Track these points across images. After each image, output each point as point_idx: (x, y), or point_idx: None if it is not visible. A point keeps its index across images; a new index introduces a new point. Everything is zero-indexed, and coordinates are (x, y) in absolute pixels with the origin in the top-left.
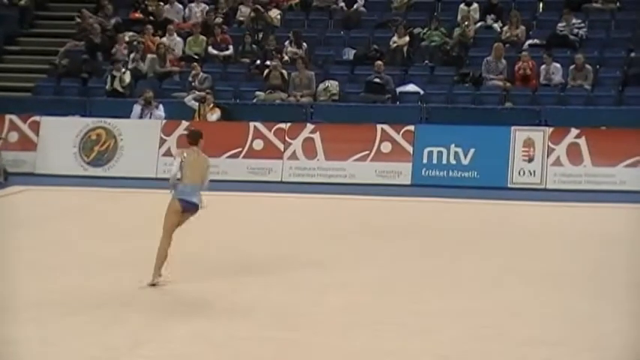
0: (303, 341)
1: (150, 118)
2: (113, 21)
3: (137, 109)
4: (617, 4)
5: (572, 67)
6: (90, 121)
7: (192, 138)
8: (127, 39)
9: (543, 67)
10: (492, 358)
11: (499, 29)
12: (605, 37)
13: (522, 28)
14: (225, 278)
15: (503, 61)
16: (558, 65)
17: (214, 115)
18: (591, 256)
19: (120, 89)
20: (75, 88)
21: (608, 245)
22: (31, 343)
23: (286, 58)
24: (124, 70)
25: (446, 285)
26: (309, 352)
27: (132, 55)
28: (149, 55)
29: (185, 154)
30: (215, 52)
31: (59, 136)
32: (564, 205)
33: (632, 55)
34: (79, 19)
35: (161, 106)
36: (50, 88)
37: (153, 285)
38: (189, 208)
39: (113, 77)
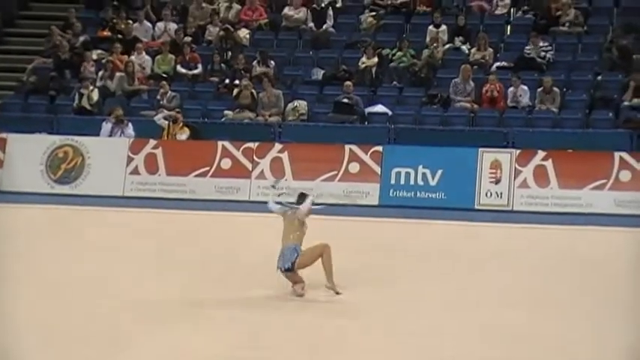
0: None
1: (120, 136)
2: (82, 39)
3: (107, 127)
4: (584, 27)
5: (539, 89)
6: (57, 139)
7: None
8: (95, 57)
9: (511, 89)
10: None
11: (467, 51)
12: (572, 60)
13: (490, 50)
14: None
15: (471, 82)
16: (526, 87)
17: (184, 135)
18: (558, 278)
19: (88, 107)
20: (42, 105)
21: (575, 267)
22: None
23: (254, 76)
24: (92, 87)
25: (410, 306)
26: None
27: (100, 73)
28: (117, 74)
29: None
30: (184, 70)
31: (26, 154)
32: (531, 227)
33: (599, 78)
34: (48, 36)
35: (130, 125)
36: (17, 105)
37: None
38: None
39: (81, 95)
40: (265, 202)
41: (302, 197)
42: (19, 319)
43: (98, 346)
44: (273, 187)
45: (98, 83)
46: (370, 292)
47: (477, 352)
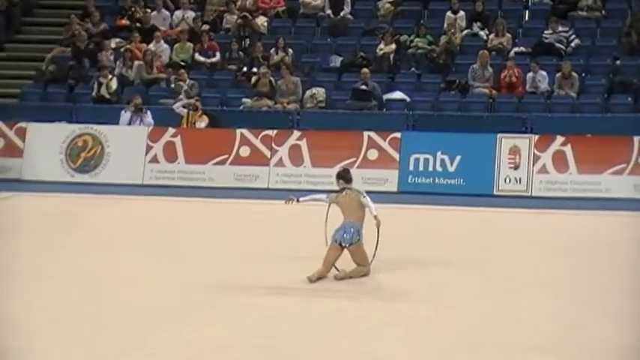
0: (290, 346)
1: (139, 124)
2: (100, 27)
3: (126, 115)
4: (603, 12)
5: (558, 74)
6: (76, 128)
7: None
8: (113, 45)
9: (530, 74)
10: None
11: (485, 37)
12: (590, 45)
13: (508, 35)
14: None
15: (489, 68)
16: (544, 73)
17: (202, 123)
18: (578, 263)
19: (106, 96)
20: (61, 94)
21: (595, 252)
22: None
23: (272, 64)
24: (110, 76)
25: (433, 292)
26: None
27: (118, 62)
28: (136, 62)
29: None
30: (202, 59)
31: (45, 143)
32: (550, 213)
33: (618, 62)
34: (67, 25)
35: (149, 113)
36: (36, 94)
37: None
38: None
39: (100, 84)
40: (285, 190)
41: (346, 173)
42: (39, 309)
43: (118, 336)
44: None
45: (116, 72)
46: (393, 279)
47: (507, 337)
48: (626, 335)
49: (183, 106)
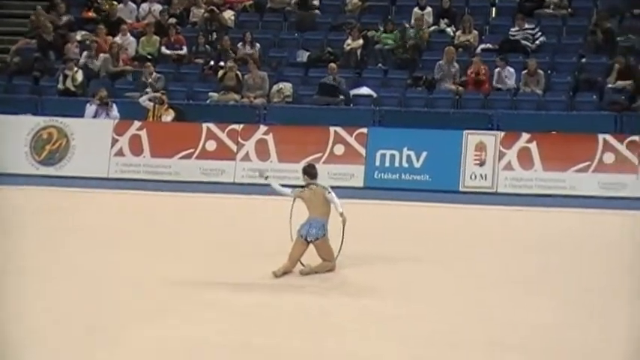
0: (255, 341)
1: (105, 118)
2: (66, 19)
3: (91, 108)
4: (569, 10)
5: (524, 72)
6: (41, 120)
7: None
8: (79, 38)
9: (497, 70)
10: None
11: (452, 33)
12: (556, 43)
13: (475, 32)
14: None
15: (456, 64)
16: (512, 69)
17: (169, 117)
18: (545, 260)
19: (72, 88)
20: (26, 86)
21: (559, 249)
22: None
23: (239, 58)
24: (75, 69)
25: (399, 288)
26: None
27: (84, 54)
28: (102, 55)
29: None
30: (169, 52)
31: (10, 135)
32: (515, 209)
33: (583, 60)
34: (32, 17)
35: (115, 106)
36: (1, 86)
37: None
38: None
39: (65, 76)
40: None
41: (311, 169)
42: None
43: (82, 334)
44: (265, 177)
45: (82, 64)
46: (359, 274)
47: (478, 335)
48: (598, 332)
49: (150, 100)
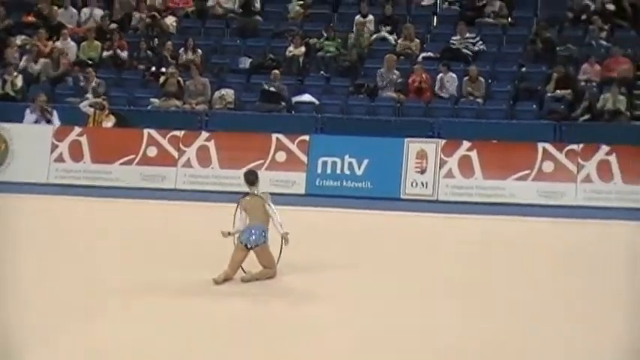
0: (194, 349)
1: (47, 124)
2: (5, 23)
3: (31, 116)
4: (509, 19)
5: (465, 78)
6: None
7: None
8: (19, 42)
9: (440, 76)
10: None
11: (394, 41)
12: (497, 52)
13: (417, 40)
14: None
15: (396, 72)
16: (454, 75)
17: (109, 122)
18: (481, 267)
19: (11, 93)
20: None
21: (496, 256)
22: None
23: (181, 64)
24: (15, 74)
25: (340, 295)
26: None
27: (24, 58)
28: (42, 59)
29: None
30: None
31: None
32: (456, 217)
33: (523, 69)
34: None
35: (55, 113)
36: None
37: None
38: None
39: (4, 81)
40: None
41: (252, 175)
42: None
43: (21, 339)
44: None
45: (21, 68)
46: (300, 281)
47: (418, 342)
48: (529, 336)
49: (90, 105)
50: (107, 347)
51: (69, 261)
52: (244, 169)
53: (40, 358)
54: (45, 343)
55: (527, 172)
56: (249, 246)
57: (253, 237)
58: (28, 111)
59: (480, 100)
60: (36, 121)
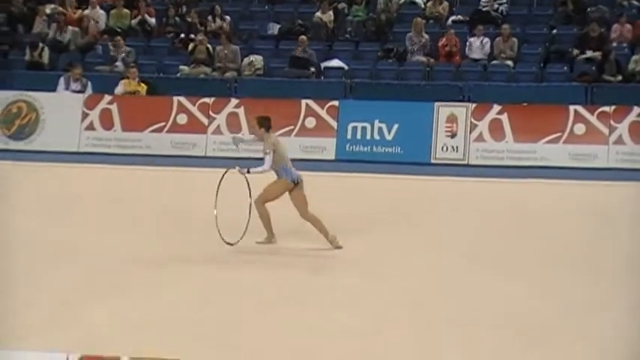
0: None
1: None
2: None
3: (71, 84)
4: None
5: (497, 38)
6: (11, 94)
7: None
8: (48, 11)
9: (474, 39)
10: (400, 337)
11: (422, 5)
12: (527, 14)
13: (446, 3)
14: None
15: (425, 35)
16: (487, 38)
17: (141, 91)
18: (511, 232)
19: (41, 62)
20: None
21: (528, 220)
22: None
23: (210, 31)
24: (41, 46)
25: (368, 260)
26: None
27: (53, 27)
28: (71, 28)
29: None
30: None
31: None
32: (486, 181)
33: (554, 32)
34: None
35: (89, 83)
36: None
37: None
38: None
39: (33, 50)
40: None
41: (268, 121)
42: None
43: (46, 310)
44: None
45: (50, 37)
46: (331, 248)
47: (444, 309)
48: (557, 304)
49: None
50: (139, 316)
51: (99, 230)
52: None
53: (64, 331)
54: (71, 317)
55: (558, 135)
56: (297, 181)
57: (297, 173)
58: (62, 80)
59: (510, 63)
60: (77, 91)
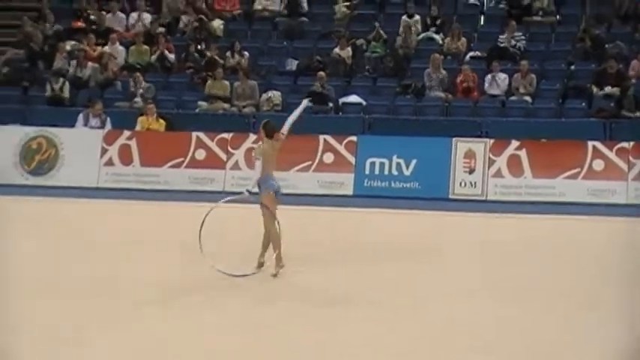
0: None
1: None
2: (55, 29)
3: (89, 120)
4: (557, 17)
5: (516, 74)
6: (31, 130)
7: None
8: (68, 48)
9: (488, 77)
10: None
11: (441, 41)
12: (545, 50)
13: (463, 39)
14: None
15: (443, 71)
16: (504, 75)
17: (160, 127)
18: (530, 267)
19: (62, 96)
20: (15, 96)
21: (547, 256)
22: None
23: (228, 67)
24: (62, 81)
25: (383, 295)
26: None
27: (73, 63)
28: (91, 64)
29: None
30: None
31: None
32: (505, 217)
33: (572, 67)
34: (20, 27)
35: (109, 119)
36: None
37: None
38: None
39: (53, 86)
40: (241, 193)
41: (271, 127)
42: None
43: (65, 336)
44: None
45: (70, 73)
46: (350, 279)
47: (443, 341)
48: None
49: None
50: (144, 341)
51: (119, 261)
52: (292, 172)
53: (81, 354)
54: (88, 340)
55: (577, 170)
56: (279, 192)
57: (277, 184)
58: (80, 117)
59: (528, 99)
60: (96, 127)
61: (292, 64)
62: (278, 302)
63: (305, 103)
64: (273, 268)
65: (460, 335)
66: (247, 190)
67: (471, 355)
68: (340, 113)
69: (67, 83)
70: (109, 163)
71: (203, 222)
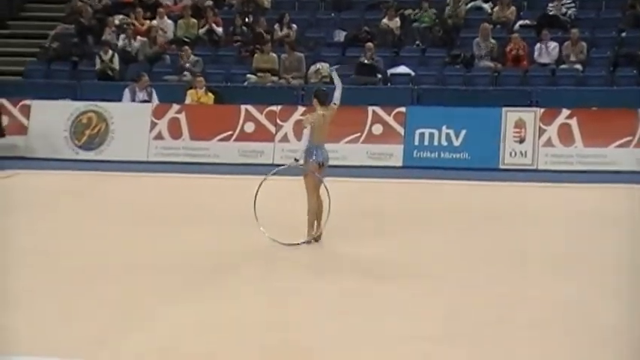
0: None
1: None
2: (103, 3)
3: (136, 93)
4: None
5: (566, 42)
6: (81, 105)
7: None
8: (117, 22)
9: (538, 45)
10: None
11: (489, 10)
12: (595, 17)
13: (513, 8)
14: None
15: (492, 40)
16: (554, 43)
17: (209, 100)
18: (583, 237)
19: (110, 72)
20: (65, 71)
21: (599, 225)
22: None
23: (276, 40)
24: (111, 53)
25: (437, 267)
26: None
27: (121, 37)
28: (139, 38)
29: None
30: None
31: (50, 120)
32: (555, 186)
33: (623, 34)
34: (69, 2)
35: (154, 91)
36: (40, 71)
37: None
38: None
39: (102, 60)
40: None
41: (325, 95)
42: (42, 286)
43: (118, 315)
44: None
45: (119, 47)
46: (395, 253)
47: (508, 315)
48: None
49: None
50: (215, 321)
51: (170, 235)
52: (341, 143)
53: (144, 331)
54: (150, 317)
55: (628, 138)
56: (325, 163)
57: (326, 154)
58: (127, 91)
59: (579, 67)
60: (134, 100)
61: (340, 36)
62: (335, 274)
63: (334, 73)
64: (306, 235)
65: (520, 312)
66: (295, 159)
67: (530, 332)
68: (389, 84)
69: (116, 55)
70: (159, 136)
71: (257, 193)
